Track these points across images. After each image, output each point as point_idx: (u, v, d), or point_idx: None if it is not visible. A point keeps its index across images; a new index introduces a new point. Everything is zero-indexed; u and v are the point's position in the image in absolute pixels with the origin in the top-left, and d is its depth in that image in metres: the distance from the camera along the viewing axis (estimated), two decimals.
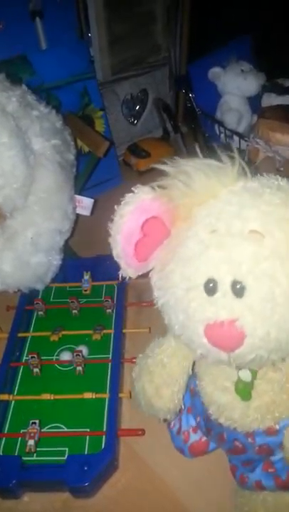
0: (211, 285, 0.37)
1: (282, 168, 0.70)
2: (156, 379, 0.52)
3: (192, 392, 0.58)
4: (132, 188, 0.42)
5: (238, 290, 0.36)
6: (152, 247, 0.43)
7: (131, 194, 0.41)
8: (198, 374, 0.53)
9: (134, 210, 0.41)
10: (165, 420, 0.57)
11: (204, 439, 0.59)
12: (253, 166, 0.74)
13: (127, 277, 0.44)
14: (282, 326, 0.36)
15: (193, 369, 0.53)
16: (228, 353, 0.38)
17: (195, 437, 0.60)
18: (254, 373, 0.45)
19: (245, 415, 0.47)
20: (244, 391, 0.46)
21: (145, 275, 0.45)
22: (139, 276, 0.46)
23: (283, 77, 1.07)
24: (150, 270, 0.45)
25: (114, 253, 0.42)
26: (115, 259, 0.43)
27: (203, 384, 0.51)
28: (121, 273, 0.44)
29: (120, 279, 0.44)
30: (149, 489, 0.64)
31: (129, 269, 0.44)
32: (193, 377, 0.54)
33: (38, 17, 1.05)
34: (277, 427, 0.49)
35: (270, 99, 1.05)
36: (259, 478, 0.54)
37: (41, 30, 1.07)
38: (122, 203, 0.41)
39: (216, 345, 0.38)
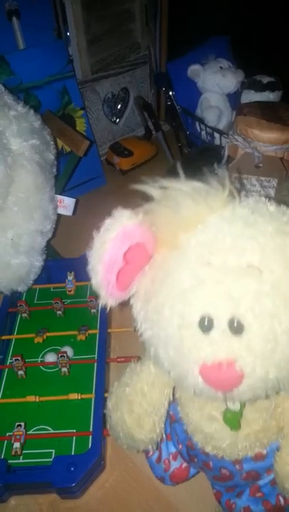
0: (206, 323, 0.35)
1: (260, 165, 0.70)
2: (136, 409, 0.49)
3: (172, 418, 0.55)
4: (113, 211, 0.37)
5: (236, 328, 0.34)
6: (133, 274, 0.40)
7: (111, 220, 0.37)
8: (180, 400, 0.49)
9: (116, 237, 0.36)
10: (144, 450, 0.55)
11: (185, 465, 0.57)
12: (233, 162, 0.74)
13: (108, 308, 0.40)
14: (283, 366, 0.35)
15: (173, 394, 0.50)
16: (224, 393, 0.36)
17: (175, 464, 0.57)
18: (243, 403, 0.43)
19: (234, 444, 0.45)
20: (233, 420, 0.44)
21: None
22: None
23: (261, 74, 1.08)
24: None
25: (94, 282, 0.38)
26: (94, 288, 0.38)
27: (187, 411, 0.48)
28: (100, 303, 0.40)
29: (100, 308, 0.41)
30: (137, 489, 0.64)
31: (109, 299, 0.39)
32: (173, 402, 0.51)
33: (15, 17, 1.05)
34: (265, 451, 0.47)
35: (249, 96, 1.06)
36: (247, 504, 0.52)
37: (18, 30, 1.06)
38: (103, 229, 0.37)
39: (212, 386, 0.36)
